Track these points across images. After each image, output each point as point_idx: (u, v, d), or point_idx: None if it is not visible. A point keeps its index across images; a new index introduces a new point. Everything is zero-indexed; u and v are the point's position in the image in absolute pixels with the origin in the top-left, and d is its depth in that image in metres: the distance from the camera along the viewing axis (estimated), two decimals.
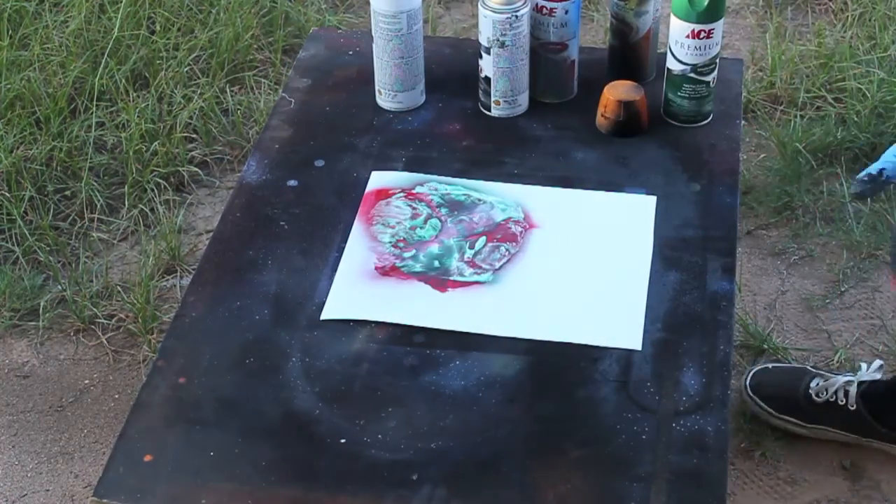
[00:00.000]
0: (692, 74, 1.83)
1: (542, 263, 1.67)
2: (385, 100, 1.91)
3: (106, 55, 2.80)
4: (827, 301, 2.38)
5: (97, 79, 2.75)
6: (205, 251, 1.69)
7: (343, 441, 1.44)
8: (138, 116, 2.68)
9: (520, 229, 1.72)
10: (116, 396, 2.24)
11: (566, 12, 1.85)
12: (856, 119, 2.70)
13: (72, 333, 2.35)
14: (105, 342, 2.32)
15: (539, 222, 1.73)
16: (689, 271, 1.66)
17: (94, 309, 2.36)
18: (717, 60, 1.83)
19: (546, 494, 1.38)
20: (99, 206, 2.56)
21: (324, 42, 2.07)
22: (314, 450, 1.43)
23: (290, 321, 1.58)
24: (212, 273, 1.65)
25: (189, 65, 2.84)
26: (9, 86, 2.72)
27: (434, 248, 1.69)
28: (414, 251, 1.68)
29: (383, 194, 1.77)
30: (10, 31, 2.88)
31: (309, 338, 1.56)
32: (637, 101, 1.84)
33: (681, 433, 1.45)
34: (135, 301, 2.34)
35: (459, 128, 1.89)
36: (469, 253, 1.68)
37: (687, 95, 1.85)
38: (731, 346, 1.57)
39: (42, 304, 2.37)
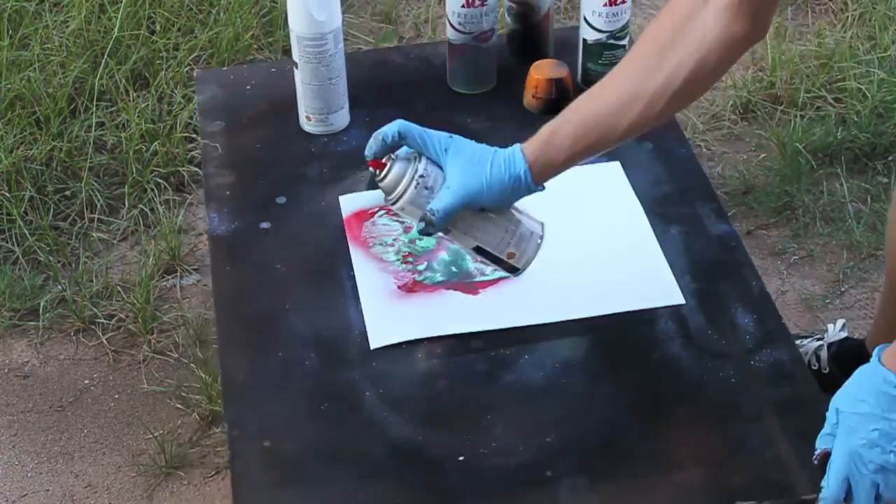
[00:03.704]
0: (611, 41, 1.90)
1: (552, 246, 1.67)
2: (315, 125, 1.87)
3: (106, 55, 2.80)
4: (827, 301, 2.38)
5: (97, 79, 2.75)
6: (215, 313, 1.64)
7: (462, 458, 1.42)
8: (138, 116, 2.68)
9: None
10: (116, 396, 2.24)
11: None
12: (856, 119, 2.70)
13: (72, 333, 2.35)
14: (105, 342, 2.32)
15: (525, 209, 1.73)
16: (687, 222, 1.71)
17: (94, 309, 2.36)
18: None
19: (677, 455, 1.42)
20: (99, 206, 2.56)
21: (215, 82, 2.02)
22: (439, 474, 1.41)
23: (343, 359, 1.54)
24: (235, 332, 1.59)
25: (189, 65, 2.84)
26: (9, 86, 2.72)
27: (443, 255, 1.68)
28: (426, 262, 1.66)
29: (364, 216, 1.74)
30: (10, 31, 2.87)
31: (371, 370, 1.52)
32: (565, 77, 1.90)
33: (762, 368, 1.52)
34: (135, 301, 2.34)
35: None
36: None
37: (607, 62, 1.91)
38: (761, 280, 1.65)
39: (42, 304, 2.37)
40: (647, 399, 1.49)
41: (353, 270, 1.65)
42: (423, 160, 1.47)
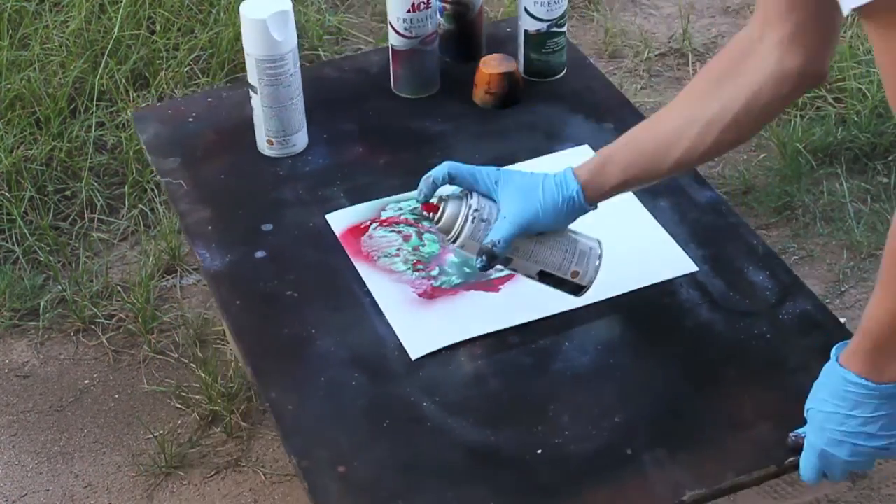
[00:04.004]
0: (553, 29, 1.94)
1: None
2: (277, 148, 1.85)
3: (106, 55, 2.80)
4: (827, 301, 2.37)
5: (97, 79, 2.75)
6: (240, 349, 1.59)
7: (540, 451, 1.43)
8: None
9: None
10: (116, 396, 2.24)
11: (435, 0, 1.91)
12: (856, 119, 2.70)
13: (72, 333, 2.35)
14: (105, 342, 2.32)
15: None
16: (672, 194, 1.76)
17: (94, 309, 2.36)
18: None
19: (744, 413, 1.47)
20: (99, 206, 2.56)
21: (154, 119, 1.97)
22: (524, 470, 1.41)
23: (388, 374, 1.53)
24: (267, 364, 1.55)
25: (189, 65, 2.84)
26: (9, 86, 2.72)
27: (451, 257, 1.67)
28: (437, 267, 1.66)
29: (358, 231, 1.73)
30: (10, 31, 2.88)
31: (419, 379, 1.52)
32: (515, 70, 1.94)
33: (791, 320, 1.58)
34: (135, 301, 2.34)
35: (364, 149, 1.87)
36: None
37: (551, 50, 1.97)
38: (759, 237, 1.71)
39: (42, 304, 2.37)
40: (695, 365, 1.53)
41: (365, 286, 1.64)
42: (475, 195, 1.49)
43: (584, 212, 1.51)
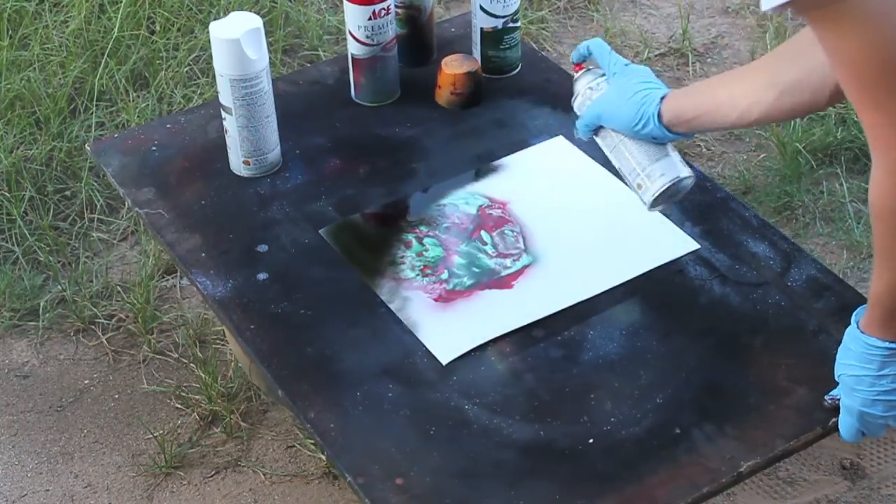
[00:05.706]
0: (510, 25, 1.96)
1: (551, 226, 1.70)
2: (254, 168, 1.82)
3: (106, 55, 2.80)
4: None
5: (97, 79, 2.75)
6: (266, 374, 1.56)
7: (591, 441, 1.44)
8: (138, 116, 2.68)
9: (499, 211, 1.74)
10: (116, 396, 2.24)
11: (392, 4, 1.90)
12: (856, 119, 2.70)
13: (72, 333, 2.35)
14: (105, 342, 2.32)
15: (505, 199, 1.74)
16: None
17: (94, 309, 2.36)
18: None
19: (778, 380, 1.50)
20: (99, 206, 2.56)
21: (116, 150, 1.91)
22: (580, 460, 1.42)
23: (422, 381, 1.52)
24: (300, 385, 1.53)
25: (189, 65, 2.84)
26: (9, 86, 2.72)
27: (458, 259, 1.67)
28: (445, 270, 1.66)
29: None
30: (10, 31, 2.88)
31: (455, 383, 1.52)
32: (478, 68, 1.95)
33: (801, 286, 1.62)
34: (135, 301, 2.34)
35: (340, 162, 1.86)
36: (489, 248, 1.68)
37: (507, 46, 1.99)
38: (751, 209, 1.76)
39: (42, 304, 2.37)
40: (720, 339, 1.56)
41: (378, 297, 1.63)
42: (604, 78, 1.65)
43: (666, 135, 1.56)
